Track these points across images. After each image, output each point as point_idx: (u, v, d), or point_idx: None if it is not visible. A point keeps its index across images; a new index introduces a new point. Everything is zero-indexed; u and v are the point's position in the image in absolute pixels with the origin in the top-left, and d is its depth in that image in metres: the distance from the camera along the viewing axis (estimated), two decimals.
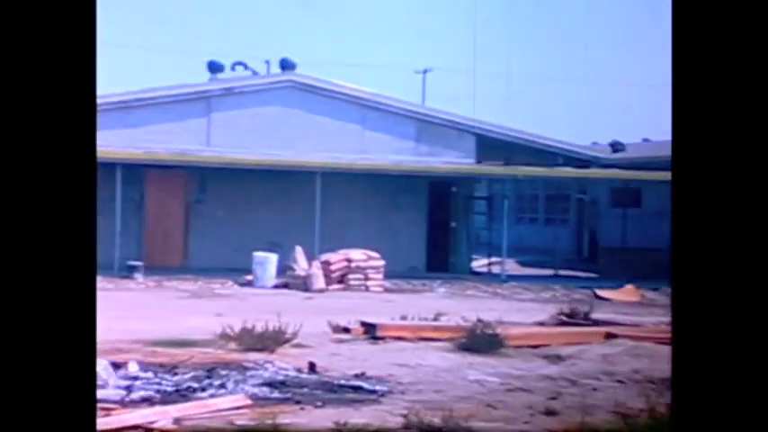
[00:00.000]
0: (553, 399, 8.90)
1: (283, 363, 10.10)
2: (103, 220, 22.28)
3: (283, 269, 20.79)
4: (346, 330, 12.65)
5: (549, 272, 25.92)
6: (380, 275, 20.96)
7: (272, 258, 20.83)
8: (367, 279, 20.81)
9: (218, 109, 23.64)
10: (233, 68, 25.22)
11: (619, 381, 9.96)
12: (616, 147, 28.77)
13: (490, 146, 25.04)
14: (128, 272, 20.81)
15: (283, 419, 7.56)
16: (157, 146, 22.69)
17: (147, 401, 8.24)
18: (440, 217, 25.40)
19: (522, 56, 56.98)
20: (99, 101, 20.81)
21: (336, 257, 20.87)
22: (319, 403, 8.37)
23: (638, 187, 26.53)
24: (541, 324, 13.91)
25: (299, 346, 11.21)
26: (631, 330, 12.98)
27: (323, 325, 12.75)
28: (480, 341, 11.50)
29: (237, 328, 11.19)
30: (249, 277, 20.75)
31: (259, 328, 11.13)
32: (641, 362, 10.85)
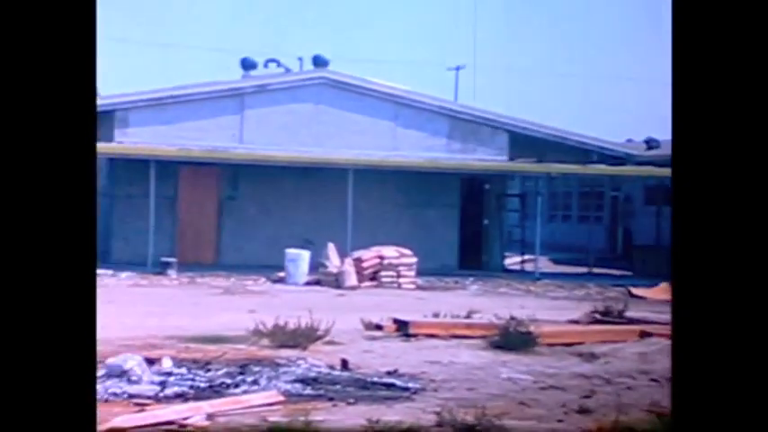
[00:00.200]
0: (587, 397, 8.84)
1: (316, 360, 10.10)
2: (137, 216, 22.49)
3: (316, 266, 20.82)
4: (379, 327, 12.64)
5: (583, 270, 25.77)
6: (413, 273, 20.92)
7: (305, 255, 20.86)
8: (399, 276, 20.78)
9: (251, 106, 23.71)
10: (266, 65, 25.29)
11: (653, 379, 9.87)
12: (651, 144, 28.52)
13: (523, 143, 24.93)
14: (161, 268, 20.92)
15: (316, 416, 7.56)
16: (191, 143, 22.80)
17: (181, 397, 8.27)
18: (472, 214, 25.32)
19: (556, 53, 56.69)
20: (134, 98, 20.93)
21: (369, 254, 20.86)
22: (352, 400, 8.35)
23: None
24: (575, 322, 13.82)
25: (331, 342, 11.21)
26: (666, 329, 12.86)
27: (355, 322, 12.75)
28: (513, 339, 11.45)
29: (270, 325, 11.21)
30: (281, 274, 20.80)
31: (291, 324, 11.15)
32: None
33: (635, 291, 20.52)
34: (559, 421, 7.94)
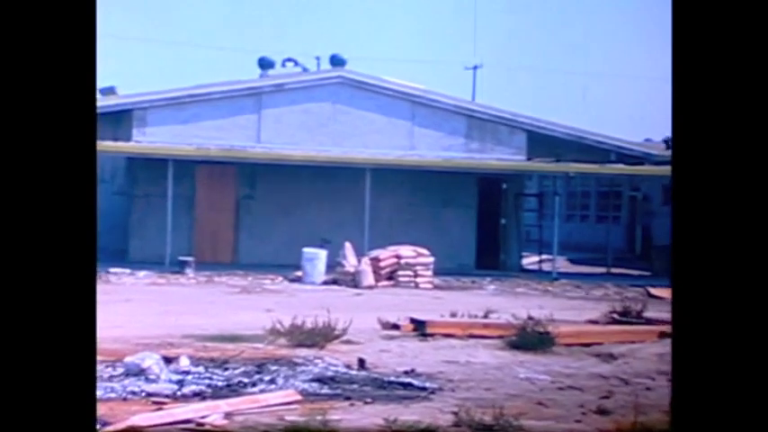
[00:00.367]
0: (605, 398, 8.80)
1: (333, 359, 10.10)
2: (155, 215, 22.54)
3: (333, 265, 20.82)
4: (396, 327, 12.62)
5: (601, 270, 25.67)
6: (430, 272, 20.90)
7: (322, 254, 20.86)
8: (416, 276, 20.76)
9: (269, 105, 23.74)
10: (283, 65, 25.31)
11: None
12: (670, 143, 28.38)
13: (541, 142, 24.86)
14: (179, 267, 20.97)
15: (333, 416, 7.55)
16: (208, 142, 22.85)
17: (199, 396, 8.28)
18: (490, 214, 25.27)
19: (574, 52, 56.51)
20: (152, 97, 20.95)
21: (386, 254, 20.85)
22: (369, 400, 8.34)
23: None
24: (593, 322, 13.76)
25: (348, 342, 11.20)
26: None
27: (372, 321, 12.74)
28: (531, 339, 11.41)
29: (287, 324, 11.21)
30: (298, 273, 20.81)
31: (309, 323, 11.14)
32: None
33: (654, 291, 20.42)
34: (577, 422, 7.91)
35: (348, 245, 20.97)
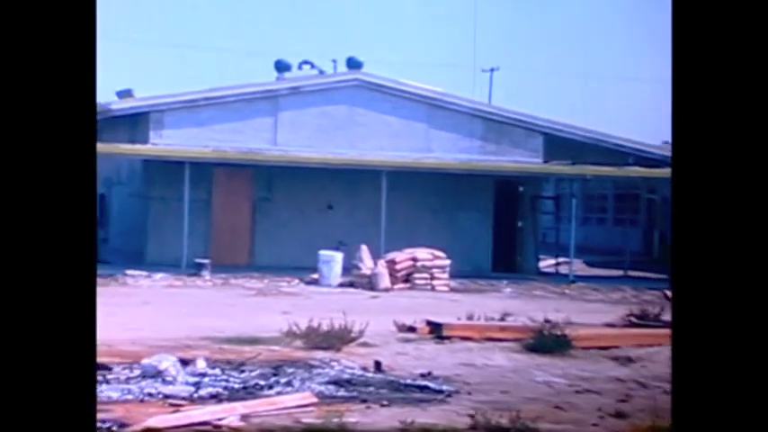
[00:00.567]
0: (623, 401, 8.75)
1: (349, 361, 10.08)
2: (172, 218, 22.59)
3: (349, 268, 20.81)
4: (412, 330, 12.59)
5: (618, 272, 25.56)
6: (446, 275, 20.86)
7: (338, 257, 20.86)
8: (433, 278, 20.73)
9: (285, 108, 23.76)
10: (300, 68, 25.32)
11: None
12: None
13: (559, 145, 24.78)
14: (195, 269, 21.01)
15: (350, 418, 7.54)
16: (225, 145, 22.89)
17: (215, 398, 8.28)
18: (506, 216, 25.21)
19: (592, 55, 56.35)
20: (169, 100, 20.96)
21: (402, 256, 20.82)
22: (385, 402, 8.32)
23: None
24: (611, 325, 13.70)
25: (364, 344, 11.19)
26: None
27: (388, 324, 12.72)
28: (548, 342, 11.36)
29: (303, 327, 11.21)
30: (315, 276, 20.81)
31: (325, 326, 11.14)
32: None
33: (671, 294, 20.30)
34: (595, 425, 7.87)
35: (364, 247, 20.96)
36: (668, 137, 31.70)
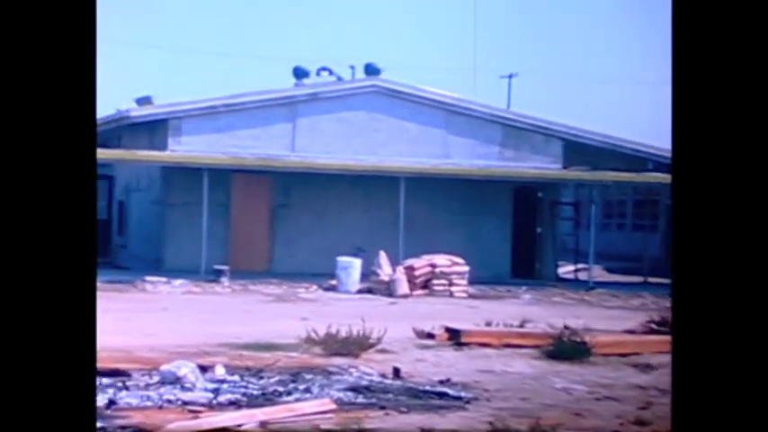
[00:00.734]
0: (643, 408, 8.69)
1: (368, 368, 10.06)
2: (190, 224, 22.64)
3: (367, 274, 20.79)
4: (431, 336, 12.56)
5: (638, 279, 25.43)
6: (465, 281, 20.81)
7: (356, 263, 20.85)
8: (451, 285, 20.68)
9: (304, 114, 23.79)
10: (318, 74, 25.35)
11: None
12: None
13: (578, 150, 24.71)
14: (214, 276, 21.04)
15: (368, 425, 7.51)
16: (243, 151, 22.94)
17: (234, 405, 8.27)
18: (525, 222, 25.14)
19: (611, 60, 56.22)
20: (188, 106, 21.01)
21: (420, 263, 20.79)
22: (404, 409, 8.29)
23: None
24: (630, 332, 13.62)
25: (383, 351, 11.16)
26: None
27: (407, 330, 12.69)
28: (567, 348, 11.31)
29: (322, 333, 11.19)
30: (333, 282, 20.80)
31: (343, 332, 11.12)
32: None
33: None
34: None
35: (382, 254, 20.93)
36: None
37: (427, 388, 9.24)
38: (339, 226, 23.73)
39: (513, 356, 11.30)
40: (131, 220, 25.87)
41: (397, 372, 9.88)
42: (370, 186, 23.65)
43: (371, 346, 11.11)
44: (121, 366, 9.41)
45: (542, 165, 24.42)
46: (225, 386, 8.91)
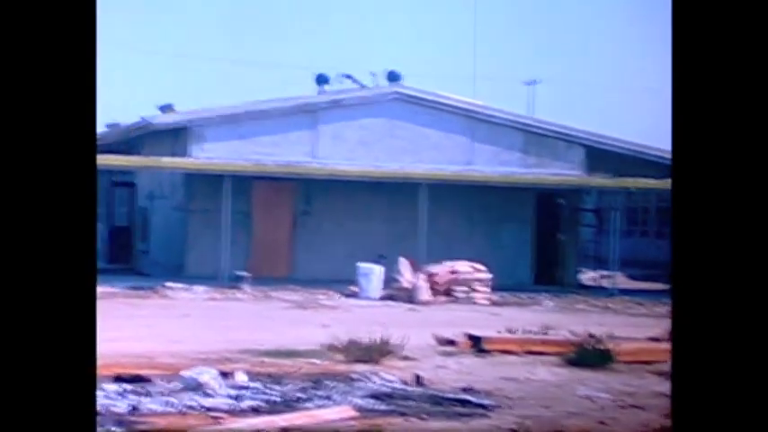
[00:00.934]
0: (668, 416, 8.59)
1: (389, 375, 10.02)
2: (212, 231, 22.68)
3: (388, 281, 20.75)
4: (452, 343, 12.50)
5: (662, 286, 25.25)
6: (487, 288, 20.73)
7: (377, 270, 20.81)
8: (473, 292, 20.61)
9: (325, 121, 23.81)
10: (340, 81, 25.38)
11: None
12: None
13: (601, 157, 24.59)
14: (235, 282, 21.06)
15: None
16: (265, 158, 22.97)
17: (255, 411, 8.25)
18: (547, 229, 25.03)
19: (633, 66, 56.00)
20: (210, 114, 21.11)
21: (442, 270, 20.73)
22: (425, 416, 8.24)
23: None
24: (655, 340, 13.50)
25: (404, 358, 11.12)
26: None
27: (428, 337, 12.64)
28: (590, 356, 11.22)
29: (343, 340, 11.16)
30: (354, 288, 20.77)
31: (365, 339, 11.08)
32: None
33: None
34: None
35: (404, 260, 20.89)
36: None
37: (449, 395, 9.18)
38: (360, 233, 23.71)
39: (535, 363, 11.23)
40: (153, 226, 25.95)
41: (418, 379, 9.83)
42: (392, 193, 23.62)
43: (393, 353, 11.06)
44: (144, 372, 9.42)
45: (565, 171, 24.31)
46: (246, 392, 8.89)
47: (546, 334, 13.08)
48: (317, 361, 10.86)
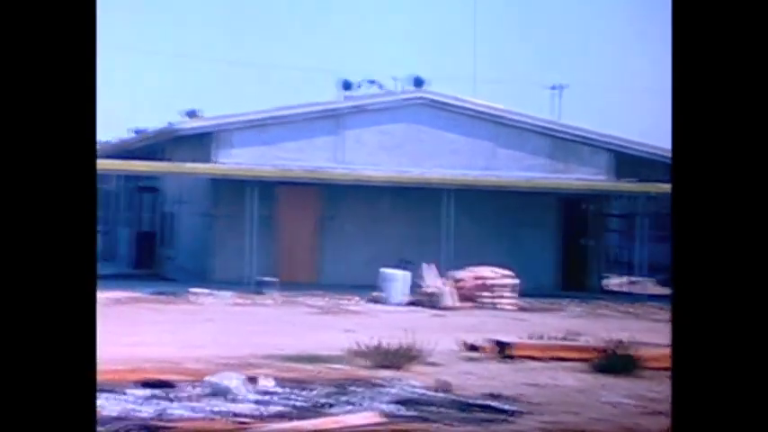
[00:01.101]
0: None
1: (414, 380, 10.02)
2: (236, 236, 22.77)
3: (412, 286, 20.75)
4: (477, 349, 12.49)
5: None
6: (511, 293, 20.68)
7: (401, 275, 20.82)
8: (498, 297, 20.57)
9: (349, 126, 23.86)
10: (363, 86, 25.42)
11: None
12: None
13: (629, 162, 24.48)
14: (260, 287, 21.13)
15: None
16: (290, 163, 23.04)
17: (282, 416, 8.27)
18: (573, 235, 24.95)
19: (657, 70, 55.71)
20: (235, 119, 21.17)
21: (467, 275, 20.71)
22: (450, 422, 8.24)
23: None
24: None
25: (429, 363, 11.12)
26: None
27: (453, 343, 12.63)
28: (615, 362, 11.18)
29: (367, 345, 11.17)
30: (378, 294, 20.78)
31: (389, 345, 11.09)
32: None
33: None
34: None
35: (428, 266, 20.89)
36: None
37: (473, 401, 9.17)
38: (385, 238, 23.72)
39: (559, 369, 11.20)
40: (179, 231, 26.09)
41: (443, 384, 9.83)
42: (416, 198, 23.63)
43: (417, 358, 11.07)
44: (168, 377, 9.47)
45: (590, 176, 24.23)
46: (272, 397, 8.91)
47: (574, 340, 13.03)
48: (342, 366, 10.88)
